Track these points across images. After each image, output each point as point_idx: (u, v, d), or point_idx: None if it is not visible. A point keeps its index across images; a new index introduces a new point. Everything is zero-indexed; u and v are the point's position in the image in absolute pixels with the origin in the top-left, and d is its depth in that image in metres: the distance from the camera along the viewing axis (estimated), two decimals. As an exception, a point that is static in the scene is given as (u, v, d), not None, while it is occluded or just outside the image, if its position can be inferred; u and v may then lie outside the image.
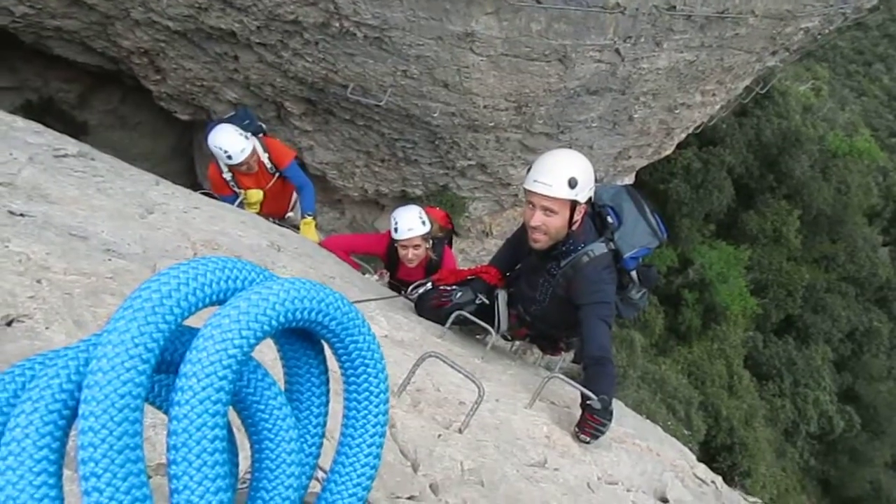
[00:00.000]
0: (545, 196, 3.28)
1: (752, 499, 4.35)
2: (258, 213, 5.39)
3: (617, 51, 8.42)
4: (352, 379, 0.71)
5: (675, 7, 8.01)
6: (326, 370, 0.75)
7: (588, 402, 3.01)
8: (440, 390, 2.80)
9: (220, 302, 0.64)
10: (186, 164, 12.07)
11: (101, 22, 8.15)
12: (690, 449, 4.32)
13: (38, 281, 1.67)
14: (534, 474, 2.51)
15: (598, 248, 3.51)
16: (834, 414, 23.01)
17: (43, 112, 9.58)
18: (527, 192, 3.37)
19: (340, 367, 0.72)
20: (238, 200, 5.75)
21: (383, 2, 7.00)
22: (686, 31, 8.61)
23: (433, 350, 2.68)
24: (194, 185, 8.39)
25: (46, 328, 1.48)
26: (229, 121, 5.86)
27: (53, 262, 1.81)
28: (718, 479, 3.94)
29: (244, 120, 5.87)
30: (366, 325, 0.70)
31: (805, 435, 22.98)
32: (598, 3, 7.48)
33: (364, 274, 5.43)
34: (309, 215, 5.82)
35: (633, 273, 3.69)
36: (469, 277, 4.18)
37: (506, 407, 3.04)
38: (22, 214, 2.19)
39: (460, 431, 2.46)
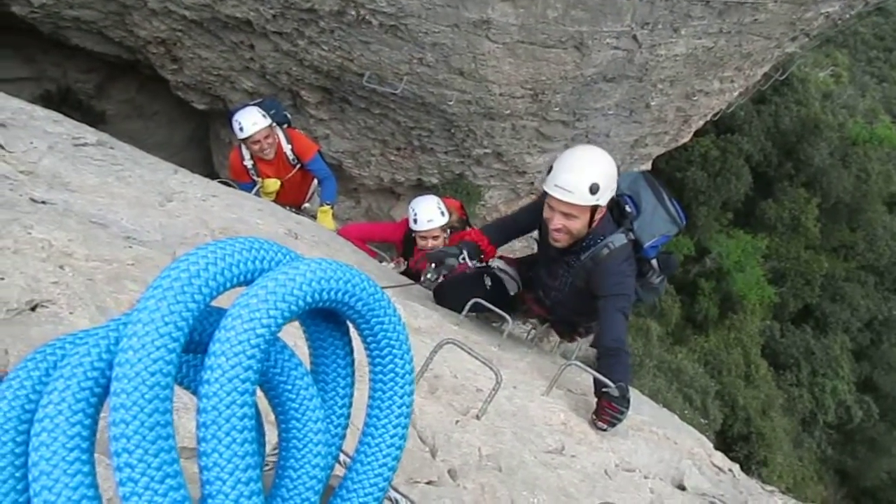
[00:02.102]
0: (566, 202, 3.28)
1: (769, 487, 4.33)
2: (275, 202, 5.42)
3: (634, 37, 8.34)
4: (377, 360, 0.72)
5: (693, -8, 7.93)
6: (352, 351, 0.75)
7: (605, 389, 3.01)
8: (457, 377, 2.81)
9: (248, 282, 0.64)
10: (203, 153, 12.13)
11: (118, 12, 8.19)
12: (707, 438, 4.30)
13: (61, 267, 1.68)
14: (551, 461, 2.52)
15: (618, 239, 3.48)
16: (852, 404, 22.81)
17: (61, 102, 9.65)
18: (547, 194, 3.37)
19: (366, 348, 0.73)
20: (255, 189, 5.78)
21: (399, -11, 6.98)
22: (704, 16, 8.51)
23: (451, 337, 2.69)
24: (211, 175, 8.41)
25: (70, 313, 1.49)
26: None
27: (75, 249, 1.83)
28: (736, 468, 3.93)
29: (270, 109, 5.93)
30: (391, 307, 0.71)
31: (822, 425, 22.81)
32: (616, -11, 7.42)
33: (381, 262, 5.45)
34: (328, 204, 5.86)
35: (654, 261, 3.68)
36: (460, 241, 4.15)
37: (523, 394, 3.05)
38: (43, 202, 2.21)
39: (478, 418, 2.47)
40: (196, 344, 0.66)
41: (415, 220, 5.06)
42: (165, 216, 2.81)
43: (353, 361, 0.75)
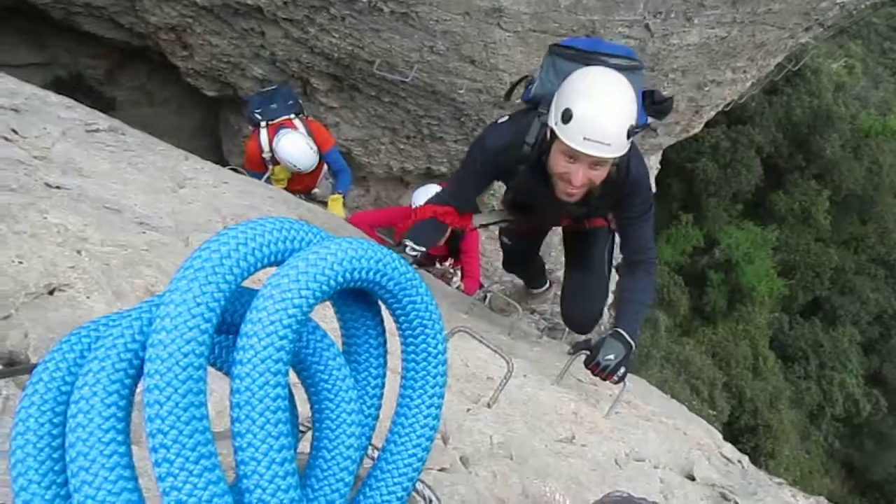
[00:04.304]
0: (601, 157, 2.67)
1: (777, 479, 4.33)
2: (285, 189, 5.43)
3: (647, 26, 8.28)
4: (409, 339, 0.71)
5: (706, -19, 7.87)
6: (384, 331, 0.75)
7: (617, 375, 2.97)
8: (468, 365, 2.81)
9: (279, 263, 0.64)
10: (213, 140, 12.13)
11: (129, -3, 8.19)
12: (715, 429, 4.31)
13: (78, 252, 1.69)
14: (562, 449, 2.52)
15: (632, 150, 2.87)
16: (860, 397, 22.75)
17: (72, 88, 9.65)
18: (566, 145, 2.69)
19: (398, 327, 0.73)
20: (266, 176, 5.79)
21: (410, -24, 6.95)
22: (718, 6, 8.44)
23: (462, 325, 2.69)
24: (220, 161, 8.43)
25: (87, 297, 1.50)
26: (272, 97, 5.92)
27: (91, 234, 1.83)
28: (745, 459, 3.93)
29: (287, 99, 5.94)
30: (423, 285, 0.70)
31: (830, 418, 22.76)
32: (628, -22, 7.37)
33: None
34: (339, 192, 5.87)
35: (651, 120, 3.15)
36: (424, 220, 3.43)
37: (533, 383, 3.05)
38: (58, 187, 2.22)
39: (489, 406, 2.47)
40: (228, 325, 0.66)
41: None
42: (178, 202, 2.81)
43: (385, 341, 0.75)
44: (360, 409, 0.70)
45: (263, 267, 0.64)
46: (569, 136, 2.64)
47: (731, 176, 21.22)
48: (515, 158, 2.99)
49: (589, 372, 3.07)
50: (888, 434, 24.11)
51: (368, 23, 7.67)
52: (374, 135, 10.35)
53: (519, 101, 3.31)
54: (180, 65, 9.57)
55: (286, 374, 0.60)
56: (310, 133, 5.94)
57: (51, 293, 1.46)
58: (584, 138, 2.60)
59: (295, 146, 5.64)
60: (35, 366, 1.07)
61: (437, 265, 6.20)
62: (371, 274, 0.65)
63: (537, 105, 2.97)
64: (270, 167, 5.92)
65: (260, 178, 5.54)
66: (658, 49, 8.88)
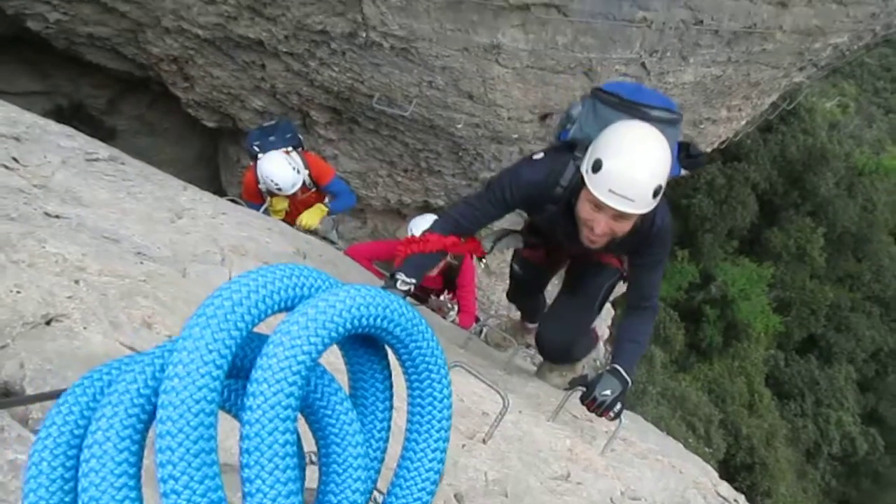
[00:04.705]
0: (624, 212, 2.67)
1: (774, 519, 4.29)
2: (285, 221, 5.43)
3: (643, 64, 8.39)
4: (416, 384, 0.73)
5: (702, 21, 7.98)
6: (390, 375, 0.76)
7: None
8: (463, 400, 2.80)
9: (289, 308, 0.66)
10: (212, 170, 12.19)
11: (132, 29, 8.28)
12: (711, 467, 4.27)
13: (76, 281, 1.69)
14: (557, 487, 2.50)
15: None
16: (857, 435, 22.63)
17: (72, 116, 9.72)
18: (592, 194, 2.70)
19: (404, 373, 0.74)
20: (264, 207, 5.80)
21: (410, 13, 7.04)
22: (713, 45, 8.56)
23: (457, 360, 2.68)
24: (219, 192, 8.48)
25: (84, 328, 1.50)
26: (272, 130, 5.95)
27: (89, 263, 1.83)
28: (741, 498, 3.90)
29: (286, 133, 5.96)
30: (430, 331, 0.71)
31: (827, 456, 22.63)
32: (625, 17, 7.47)
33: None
34: (328, 207, 5.89)
35: (683, 171, 3.19)
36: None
37: (528, 419, 3.03)
38: (57, 216, 2.22)
39: (484, 442, 2.45)
40: (238, 369, 0.67)
41: None
42: (176, 233, 2.81)
43: (391, 386, 0.76)
44: (367, 452, 0.71)
45: (274, 313, 0.65)
46: (596, 186, 2.66)
47: (727, 212, 21.35)
48: (547, 197, 2.99)
49: (585, 408, 3.04)
50: (885, 473, 23.96)
51: (368, 57, 7.76)
52: (372, 167, 10.41)
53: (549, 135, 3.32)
54: (181, 95, 9.64)
55: (295, 420, 0.62)
56: (306, 165, 5.96)
57: (48, 323, 1.45)
58: (610, 191, 2.61)
59: (273, 163, 5.64)
60: (29, 398, 1.07)
61: (433, 298, 6.20)
62: (378, 320, 0.67)
63: (574, 147, 2.97)
64: (268, 199, 5.93)
65: (258, 209, 5.55)
66: (654, 87, 8.98)
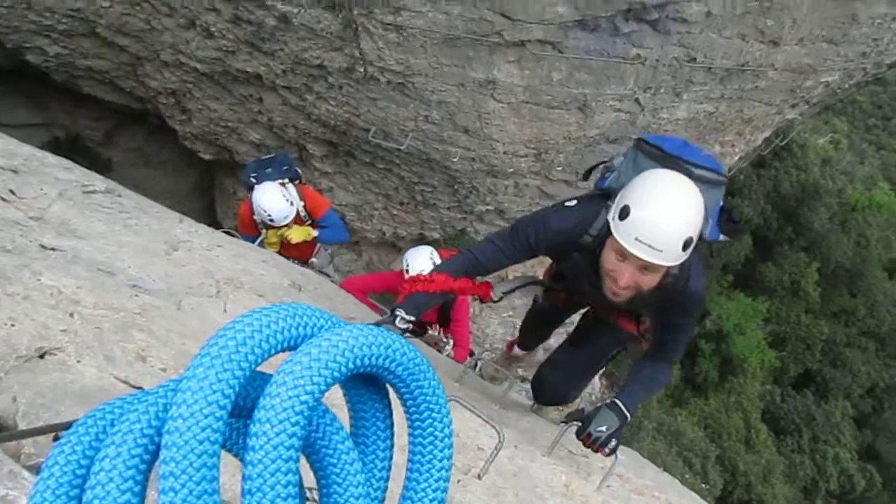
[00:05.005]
0: (650, 262, 2.52)
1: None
2: (281, 255, 5.43)
3: (637, 100, 8.49)
4: (417, 423, 0.72)
5: (695, 59, 8.09)
6: (391, 414, 0.76)
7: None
8: (459, 435, 2.77)
9: (292, 348, 0.66)
10: (207, 203, 12.21)
11: (130, 63, 8.35)
12: (709, 504, 4.23)
13: (71, 314, 1.68)
14: (553, 525, 2.47)
15: (694, 261, 2.73)
16: (854, 472, 22.43)
17: (69, 148, 9.75)
18: (618, 242, 2.56)
19: (406, 412, 0.74)
20: (259, 240, 5.79)
21: (407, 48, 7.12)
22: (706, 82, 8.68)
23: (453, 394, 2.66)
24: (214, 224, 8.48)
25: (78, 361, 1.48)
26: (269, 163, 5.97)
27: (84, 297, 1.82)
28: (739, 536, 3.85)
29: (283, 165, 5.98)
30: (431, 371, 0.72)
31: (825, 493, 22.39)
32: (619, 54, 7.57)
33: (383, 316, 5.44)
34: (317, 236, 5.90)
35: (722, 236, 2.98)
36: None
37: (524, 454, 3.01)
38: (53, 248, 2.22)
39: (479, 477, 2.43)
40: (241, 408, 0.67)
41: (406, 271, 5.14)
42: (171, 265, 2.81)
43: (392, 424, 0.76)
44: (367, 492, 0.71)
45: (277, 353, 0.65)
46: (622, 233, 2.52)
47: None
48: (573, 245, 2.87)
49: (580, 443, 2.98)
50: (883, 511, 23.71)
51: (365, 92, 7.84)
52: (367, 200, 10.45)
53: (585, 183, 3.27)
54: (178, 128, 9.70)
55: (297, 459, 0.62)
56: (301, 197, 5.97)
57: (41, 357, 1.44)
58: (637, 239, 2.46)
59: (266, 195, 5.66)
60: (22, 433, 1.05)
61: (429, 331, 6.17)
62: (381, 360, 0.67)
63: (609, 196, 2.82)
64: (263, 231, 5.93)
65: (253, 242, 5.55)
66: (648, 122, 9.08)
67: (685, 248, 2.48)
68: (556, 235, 2.89)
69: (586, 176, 3.34)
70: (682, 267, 2.67)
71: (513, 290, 3.54)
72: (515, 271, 6.57)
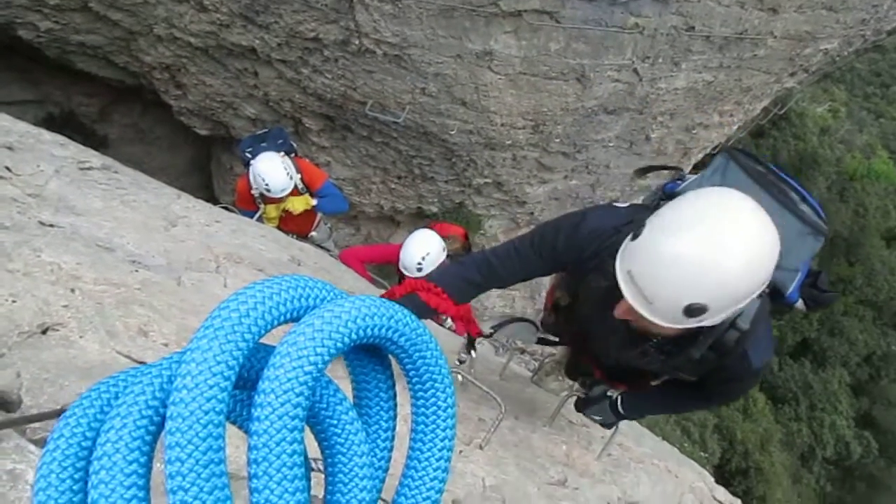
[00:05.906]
0: (630, 305, 1.81)
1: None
2: (280, 230, 5.41)
3: (635, 70, 8.43)
4: (419, 393, 0.73)
5: (693, 28, 8.03)
6: (394, 384, 0.77)
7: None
8: (460, 406, 2.79)
9: (295, 319, 0.66)
10: (204, 178, 12.17)
11: (124, 38, 8.27)
12: (707, 472, 4.27)
13: (72, 290, 1.68)
14: (554, 492, 2.50)
15: (750, 305, 1.88)
16: (851, 439, 22.69)
17: (64, 125, 9.69)
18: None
19: (408, 382, 0.74)
20: (258, 215, 5.78)
21: (403, 20, 7.06)
22: (705, 51, 8.62)
23: (454, 367, 2.68)
24: (211, 200, 8.44)
25: (80, 337, 1.49)
26: (264, 137, 5.93)
27: (84, 272, 1.83)
28: (737, 502, 3.90)
29: (278, 139, 5.94)
30: (433, 341, 0.72)
31: (821, 460, 22.66)
32: (617, 24, 7.51)
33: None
34: (316, 205, 5.89)
35: (800, 303, 2.29)
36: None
37: (525, 425, 3.03)
38: (51, 225, 2.21)
39: (481, 448, 2.45)
40: (245, 380, 0.68)
41: (420, 267, 5.05)
42: (170, 241, 2.80)
43: (395, 395, 0.76)
44: (372, 462, 0.72)
45: (280, 324, 0.66)
46: (621, 256, 1.87)
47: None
48: (606, 246, 2.09)
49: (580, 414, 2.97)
50: (879, 477, 24.01)
51: (361, 65, 7.77)
52: (365, 174, 10.42)
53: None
54: (173, 104, 9.63)
55: (302, 430, 0.62)
56: (298, 170, 5.94)
57: (44, 332, 1.45)
58: (629, 272, 1.80)
59: (267, 163, 5.63)
60: (32, 417, 1.06)
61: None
62: (383, 331, 0.68)
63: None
64: (262, 206, 5.91)
65: (251, 217, 5.53)
66: (647, 93, 9.03)
67: (689, 314, 1.73)
68: (591, 234, 2.17)
69: (642, 173, 2.88)
70: (754, 321, 1.96)
71: (503, 326, 3.17)
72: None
